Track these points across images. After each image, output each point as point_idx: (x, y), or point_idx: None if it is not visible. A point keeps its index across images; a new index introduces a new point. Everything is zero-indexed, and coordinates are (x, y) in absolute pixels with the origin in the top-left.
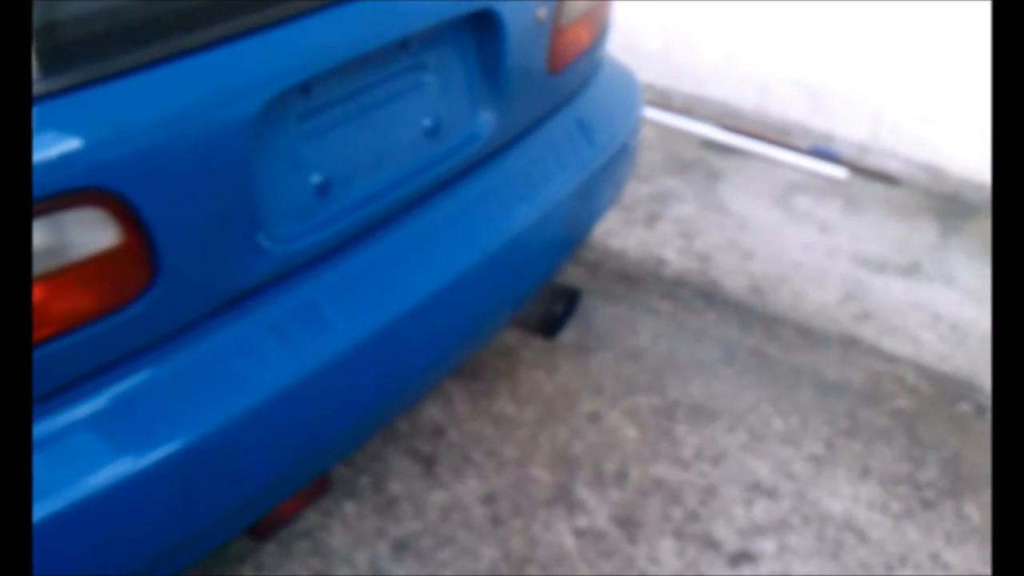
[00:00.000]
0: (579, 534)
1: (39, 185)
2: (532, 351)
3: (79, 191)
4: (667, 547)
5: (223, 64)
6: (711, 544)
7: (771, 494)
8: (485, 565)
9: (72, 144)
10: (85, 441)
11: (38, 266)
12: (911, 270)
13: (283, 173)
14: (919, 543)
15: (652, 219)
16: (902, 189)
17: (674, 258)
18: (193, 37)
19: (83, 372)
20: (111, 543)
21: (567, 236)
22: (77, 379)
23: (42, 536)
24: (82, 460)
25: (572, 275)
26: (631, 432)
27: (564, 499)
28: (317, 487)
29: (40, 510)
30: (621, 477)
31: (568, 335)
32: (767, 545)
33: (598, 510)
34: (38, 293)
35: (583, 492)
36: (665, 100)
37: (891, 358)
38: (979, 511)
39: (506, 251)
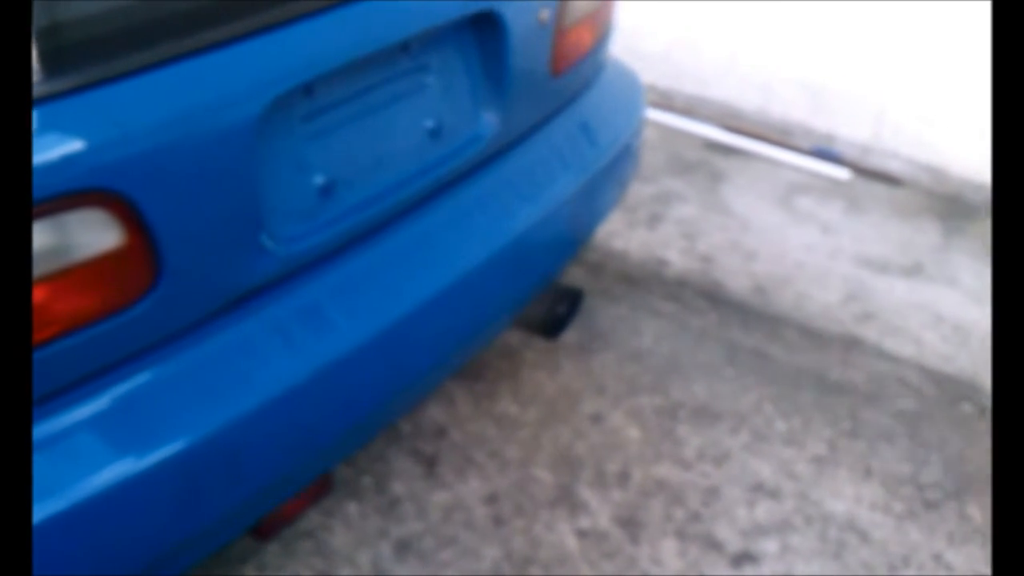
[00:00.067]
0: (581, 534)
1: (43, 186)
2: (534, 352)
3: (82, 192)
4: (669, 548)
5: (226, 65)
6: (713, 545)
7: (773, 495)
8: (487, 565)
9: (76, 145)
10: (88, 442)
11: (42, 267)
12: (913, 271)
13: (286, 174)
14: (921, 544)
15: (654, 220)
16: (904, 190)
17: (676, 259)
18: (196, 38)
19: (87, 373)
20: (115, 543)
21: (570, 237)
22: (81, 380)
23: (46, 536)
24: (85, 461)
25: (575, 276)
26: (633, 433)
27: (566, 499)
28: (319, 487)
29: (44, 510)
30: (623, 478)
31: (570, 336)
32: (769, 546)
33: (600, 511)
34: (42, 294)
35: (585, 493)
36: (667, 101)
37: (894, 359)
38: (981, 512)
39: (509, 252)
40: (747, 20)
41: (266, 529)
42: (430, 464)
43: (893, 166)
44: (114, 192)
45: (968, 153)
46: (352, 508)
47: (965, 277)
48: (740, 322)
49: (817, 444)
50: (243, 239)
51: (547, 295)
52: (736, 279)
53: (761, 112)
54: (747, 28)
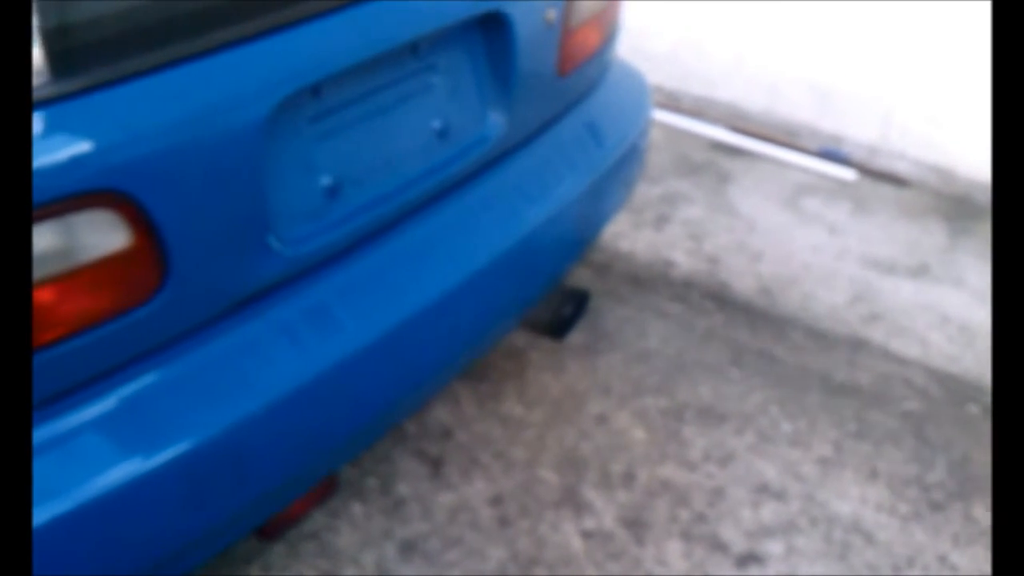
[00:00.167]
0: (586, 535)
1: (51, 188)
2: (540, 352)
3: (90, 193)
4: (674, 548)
5: (234, 66)
6: (718, 546)
7: (779, 496)
8: (492, 566)
9: (83, 147)
10: (95, 443)
11: (49, 268)
12: (920, 272)
13: (293, 175)
14: (927, 545)
15: (661, 221)
16: (911, 191)
17: (683, 260)
18: (204, 40)
19: (93, 374)
20: (120, 544)
21: (576, 238)
22: (87, 381)
23: (52, 537)
24: (91, 462)
25: (581, 277)
26: (639, 434)
27: (571, 500)
28: (324, 488)
29: (50, 511)
30: (629, 478)
31: (576, 337)
32: (774, 547)
33: (605, 511)
34: (48, 295)
35: (590, 493)
36: (674, 102)
37: (900, 360)
38: (987, 513)
39: (515, 253)
40: (754, 21)
41: (271, 529)
42: (435, 465)
43: (900, 167)
44: (122, 193)
45: (975, 154)
46: (357, 509)
47: (972, 278)
48: (746, 323)
49: (823, 445)
50: (250, 240)
51: (553, 296)
52: (742, 280)
53: (768, 113)
54: (754, 29)
